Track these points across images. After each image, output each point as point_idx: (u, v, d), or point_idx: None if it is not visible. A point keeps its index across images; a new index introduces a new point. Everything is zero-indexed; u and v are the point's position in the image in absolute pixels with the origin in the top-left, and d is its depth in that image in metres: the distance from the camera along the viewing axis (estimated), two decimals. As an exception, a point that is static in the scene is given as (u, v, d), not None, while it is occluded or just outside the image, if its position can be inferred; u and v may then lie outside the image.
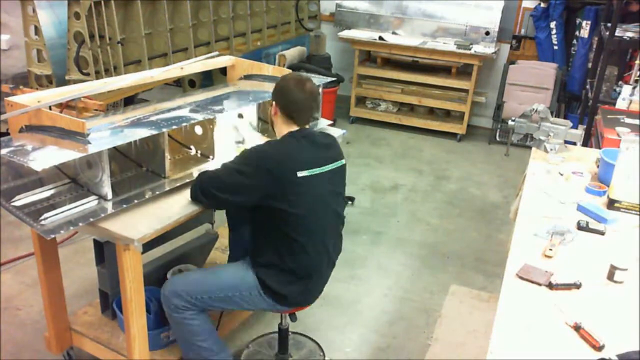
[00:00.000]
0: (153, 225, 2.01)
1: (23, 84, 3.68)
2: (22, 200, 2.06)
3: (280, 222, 2.10)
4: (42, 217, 1.96)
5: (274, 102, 2.21)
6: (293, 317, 2.40)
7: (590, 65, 4.94)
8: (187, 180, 2.33)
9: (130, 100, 3.87)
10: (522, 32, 5.58)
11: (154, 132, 2.15)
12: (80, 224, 1.96)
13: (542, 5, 5.25)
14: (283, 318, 2.47)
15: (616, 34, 4.05)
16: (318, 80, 2.96)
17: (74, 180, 2.21)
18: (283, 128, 2.20)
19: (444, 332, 2.90)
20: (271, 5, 5.19)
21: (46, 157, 1.92)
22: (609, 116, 3.34)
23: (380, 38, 5.49)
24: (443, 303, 3.14)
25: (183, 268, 2.85)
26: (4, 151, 1.95)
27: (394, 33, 5.68)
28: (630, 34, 4.13)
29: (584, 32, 5.09)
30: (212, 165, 2.49)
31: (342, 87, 5.67)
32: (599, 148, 2.88)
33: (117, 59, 3.57)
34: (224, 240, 2.93)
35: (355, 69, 5.68)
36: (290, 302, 2.22)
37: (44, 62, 3.59)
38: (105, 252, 2.42)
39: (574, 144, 2.90)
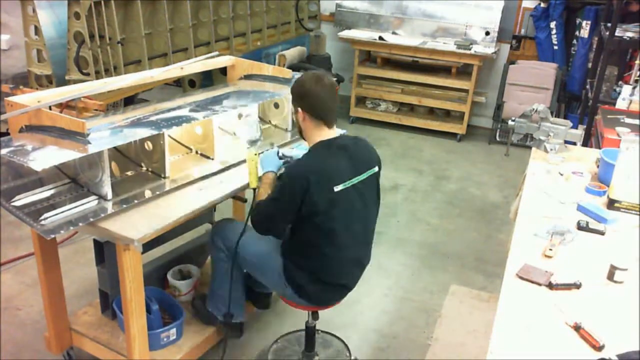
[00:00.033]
0: (153, 225, 2.01)
1: (23, 84, 3.68)
2: (22, 200, 2.07)
3: (313, 234, 2.12)
4: (42, 217, 1.96)
5: (299, 109, 2.15)
6: (315, 316, 2.44)
7: (590, 65, 4.94)
8: (187, 181, 2.33)
9: (130, 100, 3.88)
10: (522, 32, 5.58)
11: (154, 132, 2.15)
12: (80, 224, 1.96)
13: (542, 5, 5.25)
14: (310, 316, 2.48)
15: (616, 34, 4.05)
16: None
17: (74, 180, 2.21)
18: (314, 133, 2.15)
19: (444, 332, 2.90)
20: (271, 5, 5.19)
21: (46, 157, 1.92)
22: (609, 116, 3.34)
23: (380, 38, 5.50)
24: (443, 303, 3.14)
25: (183, 268, 2.86)
26: (4, 151, 1.95)
27: (394, 33, 5.68)
28: (630, 34, 4.13)
29: (584, 32, 5.09)
30: (214, 166, 2.49)
31: (342, 87, 5.66)
32: (599, 148, 2.88)
33: (117, 59, 3.58)
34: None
35: (355, 69, 5.68)
36: (311, 298, 2.24)
37: (44, 62, 3.59)
38: (105, 252, 2.42)
39: (574, 144, 2.90)
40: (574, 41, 5.38)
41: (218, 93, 2.76)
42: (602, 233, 2.07)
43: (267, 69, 2.94)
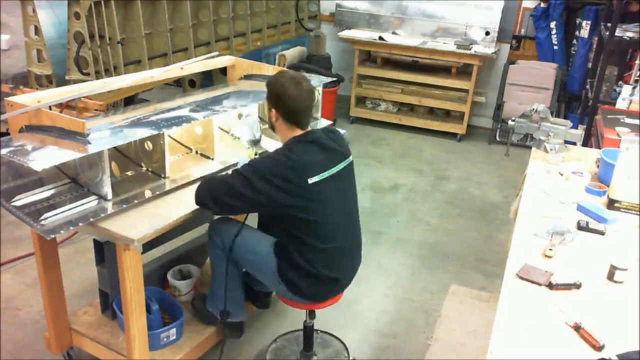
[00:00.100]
0: (153, 225, 2.02)
1: (23, 84, 3.68)
2: (22, 200, 2.07)
3: (297, 229, 2.13)
4: (42, 217, 1.96)
5: (273, 109, 2.17)
6: (312, 315, 2.46)
7: (590, 65, 4.94)
8: (187, 181, 2.33)
9: (130, 100, 3.88)
10: (522, 32, 5.58)
11: (154, 132, 2.15)
12: (80, 224, 1.96)
13: (542, 5, 5.25)
14: (307, 315, 2.48)
15: (616, 34, 4.05)
16: (318, 80, 2.96)
17: (74, 180, 2.21)
18: (287, 133, 2.18)
19: (444, 332, 2.90)
20: (271, 5, 5.19)
21: (46, 157, 1.92)
22: (609, 116, 3.34)
23: (380, 38, 5.49)
24: (443, 303, 3.14)
25: (183, 268, 2.86)
26: (4, 151, 1.95)
27: (394, 33, 5.68)
28: (630, 34, 4.13)
29: (584, 32, 5.09)
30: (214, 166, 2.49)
31: (342, 87, 5.67)
32: (599, 148, 2.88)
33: (117, 59, 3.58)
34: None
35: (355, 69, 5.68)
36: (304, 294, 2.24)
37: (44, 62, 3.59)
38: (105, 252, 2.42)
39: (574, 144, 2.90)
40: (574, 41, 5.38)
41: (218, 93, 2.76)
42: (602, 233, 2.07)
43: (267, 69, 2.94)
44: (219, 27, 4.60)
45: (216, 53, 3.03)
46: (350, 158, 2.28)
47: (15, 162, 1.91)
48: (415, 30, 5.62)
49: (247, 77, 3.00)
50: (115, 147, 2.20)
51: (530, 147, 2.88)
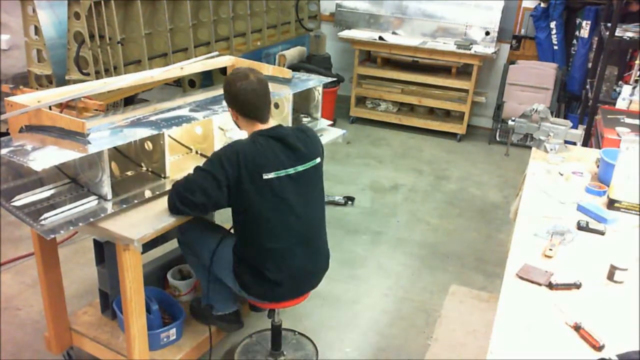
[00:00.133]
0: (153, 225, 2.01)
1: (23, 84, 3.68)
2: (22, 200, 2.07)
3: (247, 225, 2.12)
4: (42, 217, 1.96)
5: (230, 108, 2.17)
6: (271, 314, 2.45)
7: (590, 65, 4.94)
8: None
9: (130, 100, 3.87)
10: (522, 32, 5.58)
11: (154, 132, 2.15)
12: (80, 224, 1.96)
13: (542, 5, 5.25)
14: (275, 315, 2.47)
15: (616, 34, 4.05)
16: (318, 80, 2.96)
17: (74, 180, 2.21)
18: (250, 129, 2.18)
19: (444, 332, 2.90)
20: (271, 5, 5.20)
21: (46, 157, 1.92)
22: (609, 116, 3.34)
23: (380, 38, 5.50)
24: (443, 303, 3.14)
25: (183, 268, 2.86)
26: (4, 151, 1.95)
27: (394, 33, 5.68)
28: (630, 34, 4.13)
29: (584, 32, 5.09)
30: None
31: (342, 87, 5.67)
32: (599, 148, 2.88)
33: (117, 59, 3.58)
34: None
35: (355, 69, 5.68)
36: (250, 292, 2.23)
37: (44, 62, 3.59)
38: (105, 252, 2.42)
39: (574, 144, 2.90)
40: (574, 41, 5.38)
41: (218, 93, 2.76)
42: (602, 233, 2.07)
43: (267, 69, 2.93)
44: (219, 27, 4.60)
45: (216, 53, 3.03)
46: (318, 160, 2.21)
47: (15, 162, 1.91)
48: (415, 30, 5.62)
49: (247, 77, 2.99)
50: (115, 147, 2.20)
51: (530, 147, 2.88)
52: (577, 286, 1.75)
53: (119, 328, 2.48)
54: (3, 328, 2.77)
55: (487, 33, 5.37)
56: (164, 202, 2.16)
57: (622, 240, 2.04)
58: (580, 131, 2.86)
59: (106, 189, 2.09)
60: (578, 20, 5.27)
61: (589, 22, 5.02)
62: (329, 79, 3.08)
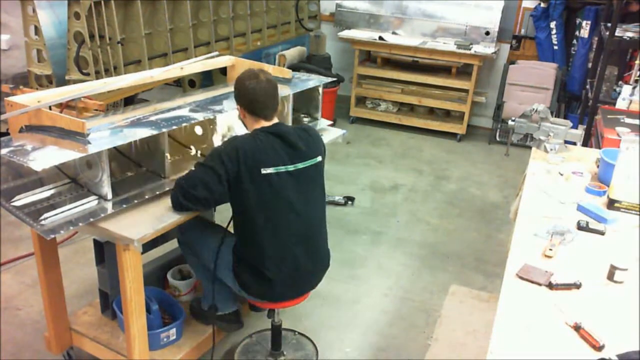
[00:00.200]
0: (153, 225, 2.02)
1: (23, 84, 3.68)
2: (22, 200, 2.07)
3: (246, 222, 2.12)
4: (42, 217, 1.96)
5: (238, 106, 2.21)
6: (270, 314, 2.45)
7: (590, 65, 4.94)
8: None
9: (130, 100, 3.87)
10: (522, 32, 5.58)
11: (154, 132, 2.15)
12: (80, 224, 1.96)
13: (542, 5, 5.25)
14: (275, 315, 2.47)
15: (616, 34, 4.05)
16: (318, 80, 2.96)
17: (74, 180, 2.21)
18: (254, 127, 2.20)
19: (444, 332, 2.90)
20: (271, 5, 5.19)
21: (46, 157, 1.92)
22: (609, 116, 3.34)
23: (380, 38, 5.50)
24: (443, 303, 3.14)
25: (183, 268, 2.86)
26: (4, 151, 1.95)
27: (394, 33, 5.68)
28: (630, 34, 4.13)
29: (584, 32, 5.09)
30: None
31: (342, 87, 5.67)
32: (599, 148, 2.88)
33: (117, 59, 3.58)
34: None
35: (355, 69, 5.68)
36: (250, 291, 2.23)
37: (44, 62, 3.59)
38: (105, 252, 2.42)
39: (574, 144, 2.90)
40: (574, 41, 5.38)
41: (218, 93, 2.76)
42: (602, 233, 2.07)
43: (267, 69, 2.93)
44: (219, 27, 4.60)
45: (216, 53, 3.03)
46: (319, 159, 2.22)
47: (15, 162, 1.91)
48: (415, 30, 5.62)
49: (247, 77, 2.99)
50: (115, 147, 2.20)
51: (530, 147, 2.88)
52: (577, 286, 1.75)
53: (119, 328, 2.48)
54: (3, 328, 2.77)
55: (487, 33, 5.37)
56: (164, 202, 2.16)
57: (622, 240, 2.04)
58: (580, 131, 2.86)
59: (106, 189, 2.09)
60: (578, 20, 5.27)
61: (589, 22, 5.02)
62: (329, 79, 3.08)
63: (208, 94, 2.74)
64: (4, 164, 2.09)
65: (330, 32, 5.93)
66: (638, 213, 2.20)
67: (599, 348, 1.49)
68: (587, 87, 4.69)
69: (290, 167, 2.12)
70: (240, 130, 2.68)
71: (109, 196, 2.10)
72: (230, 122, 2.69)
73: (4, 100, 2.15)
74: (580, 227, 2.09)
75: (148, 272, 2.67)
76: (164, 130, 2.20)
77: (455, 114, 5.72)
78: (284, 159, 2.11)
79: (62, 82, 3.48)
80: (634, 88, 3.85)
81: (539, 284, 1.75)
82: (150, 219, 2.05)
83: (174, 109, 2.45)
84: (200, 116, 2.39)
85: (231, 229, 2.28)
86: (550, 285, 1.74)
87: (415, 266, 3.50)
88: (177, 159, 2.51)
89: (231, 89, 2.29)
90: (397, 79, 5.65)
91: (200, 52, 4.09)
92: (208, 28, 4.39)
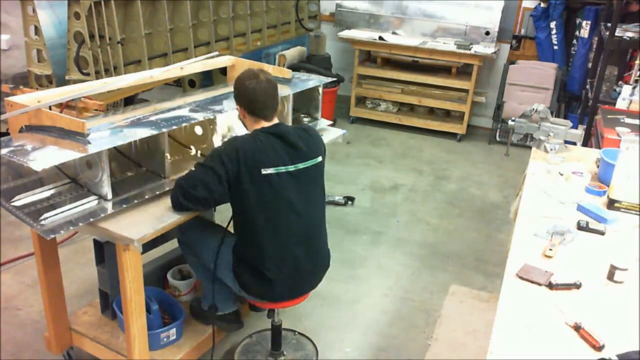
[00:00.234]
0: (153, 225, 2.02)
1: (23, 84, 3.68)
2: (22, 200, 2.07)
3: (247, 222, 2.12)
4: (42, 217, 1.96)
5: (238, 106, 2.21)
6: (270, 314, 2.45)
7: (590, 65, 4.94)
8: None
9: (130, 100, 3.87)
10: (522, 32, 5.58)
11: (154, 132, 2.15)
12: (80, 224, 1.96)
13: (542, 5, 5.25)
14: (275, 315, 2.47)
15: (616, 34, 4.05)
16: (318, 80, 2.96)
17: (74, 180, 2.21)
18: (254, 127, 2.20)
19: (444, 332, 2.90)
20: (271, 5, 5.19)
21: (46, 157, 1.92)
22: (609, 116, 3.34)
23: (380, 38, 5.50)
24: (443, 303, 3.14)
25: (183, 268, 2.86)
26: (4, 151, 1.95)
27: (394, 33, 5.68)
28: (630, 34, 4.13)
29: (584, 32, 5.09)
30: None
31: (342, 87, 5.67)
32: (599, 148, 2.88)
33: (117, 59, 3.58)
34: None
35: (355, 69, 5.68)
36: (250, 292, 2.23)
37: (44, 62, 3.59)
38: (105, 252, 2.42)
39: (574, 144, 2.90)
40: (574, 41, 5.38)
41: (218, 93, 2.76)
42: (602, 233, 2.07)
43: (267, 69, 2.93)
44: (219, 27, 4.60)
45: (216, 53, 3.03)
46: (319, 159, 2.22)
47: (15, 162, 1.91)
48: (415, 30, 5.62)
49: (247, 77, 2.99)
50: (115, 147, 2.20)
51: (530, 147, 2.88)
52: (577, 286, 1.75)
53: (119, 328, 2.48)
54: (3, 328, 2.77)
55: (487, 33, 5.37)
56: (163, 202, 2.16)
57: (622, 240, 2.04)
58: (580, 131, 2.86)
59: (106, 189, 2.09)
60: (578, 20, 5.27)
61: (589, 22, 5.02)
62: (329, 79, 3.08)
63: (208, 94, 2.74)
64: (4, 164, 2.09)
65: (330, 32, 5.93)
66: (638, 213, 2.20)
67: (599, 348, 1.49)
68: (587, 87, 4.69)
69: (291, 168, 2.12)
70: (240, 130, 2.69)
71: (109, 196, 2.10)
72: (230, 122, 2.69)
73: (4, 100, 2.15)
74: (580, 227, 2.09)
75: (148, 272, 2.67)
76: (164, 130, 2.20)
77: (455, 114, 5.72)
78: (284, 159, 2.11)
79: (62, 82, 3.48)
80: (634, 88, 3.85)
81: (539, 284, 1.75)
82: (150, 219, 2.05)
83: (174, 109, 2.45)
84: (200, 116, 2.39)
85: (231, 229, 2.28)
86: (550, 285, 1.74)
87: (415, 266, 3.50)
88: (177, 159, 2.51)
89: (231, 89, 2.29)
90: (397, 79, 5.65)
91: (200, 52, 4.09)
92: (208, 28, 4.39)
